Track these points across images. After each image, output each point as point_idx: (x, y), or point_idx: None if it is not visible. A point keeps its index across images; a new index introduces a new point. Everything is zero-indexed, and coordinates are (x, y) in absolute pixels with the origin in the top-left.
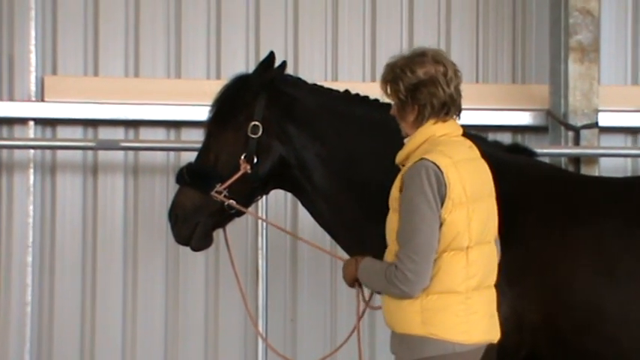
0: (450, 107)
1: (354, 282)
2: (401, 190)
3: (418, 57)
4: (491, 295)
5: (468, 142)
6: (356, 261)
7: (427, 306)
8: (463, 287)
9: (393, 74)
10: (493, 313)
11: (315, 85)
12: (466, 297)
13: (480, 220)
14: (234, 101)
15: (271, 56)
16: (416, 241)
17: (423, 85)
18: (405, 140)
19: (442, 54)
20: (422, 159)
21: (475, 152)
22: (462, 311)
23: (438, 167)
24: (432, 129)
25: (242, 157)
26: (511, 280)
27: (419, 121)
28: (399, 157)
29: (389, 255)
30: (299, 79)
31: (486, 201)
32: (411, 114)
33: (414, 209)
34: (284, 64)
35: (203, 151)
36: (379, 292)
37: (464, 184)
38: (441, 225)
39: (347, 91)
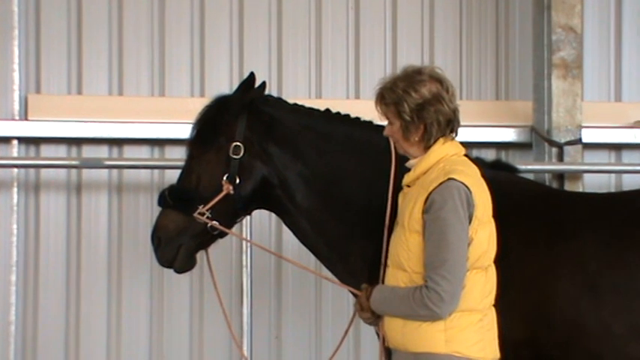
0: (454, 123)
1: (372, 315)
2: (424, 212)
3: (417, 75)
4: (495, 313)
5: (471, 162)
6: (366, 293)
7: (451, 324)
8: (481, 306)
9: (396, 96)
10: (496, 331)
11: (296, 104)
12: (484, 315)
13: (494, 239)
14: (215, 122)
15: (252, 77)
16: (451, 262)
17: (428, 103)
18: (412, 162)
19: (438, 70)
20: (450, 179)
21: (479, 172)
22: (480, 329)
23: (467, 187)
24: (444, 149)
25: (224, 178)
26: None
27: (425, 141)
28: (409, 178)
29: (400, 277)
30: (279, 99)
31: (493, 220)
32: (416, 134)
33: (449, 230)
34: (264, 84)
35: (185, 173)
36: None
37: (484, 204)
38: (468, 244)
39: (328, 110)
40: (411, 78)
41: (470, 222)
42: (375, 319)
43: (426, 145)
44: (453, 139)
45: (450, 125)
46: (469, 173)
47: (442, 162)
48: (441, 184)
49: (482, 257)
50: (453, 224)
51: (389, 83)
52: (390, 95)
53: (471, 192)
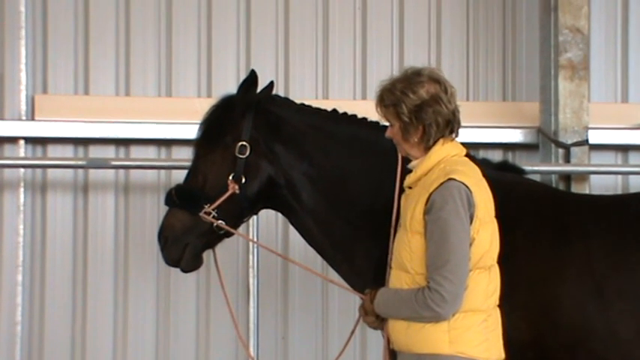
0: (453, 124)
1: (377, 319)
2: (425, 213)
3: (416, 77)
4: (499, 313)
5: (472, 163)
6: (370, 297)
7: (454, 325)
8: (485, 306)
9: (394, 97)
10: (501, 331)
11: (303, 104)
12: (488, 315)
13: (496, 239)
14: (222, 122)
15: (253, 74)
16: (453, 263)
17: (427, 104)
18: (413, 163)
19: (437, 72)
20: (450, 179)
21: (480, 172)
22: (484, 329)
23: (467, 188)
24: (444, 149)
25: (230, 178)
26: (499, 299)
27: (425, 142)
28: (410, 179)
29: (403, 279)
30: (287, 99)
31: (495, 220)
32: (415, 135)
33: (451, 230)
34: (271, 84)
35: (191, 172)
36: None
37: (485, 204)
38: (470, 244)
39: (335, 110)
40: (410, 79)
41: (471, 222)
42: (379, 322)
43: (426, 146)
44: (453, 139)
45: (450, 126)
46: (469, 173)
47: (443, 163)
48: (441, 184)
49: (484, 257)
50: (453, 225)
51: (388, 85)
52: (388, 97)
53: (471, 192)
